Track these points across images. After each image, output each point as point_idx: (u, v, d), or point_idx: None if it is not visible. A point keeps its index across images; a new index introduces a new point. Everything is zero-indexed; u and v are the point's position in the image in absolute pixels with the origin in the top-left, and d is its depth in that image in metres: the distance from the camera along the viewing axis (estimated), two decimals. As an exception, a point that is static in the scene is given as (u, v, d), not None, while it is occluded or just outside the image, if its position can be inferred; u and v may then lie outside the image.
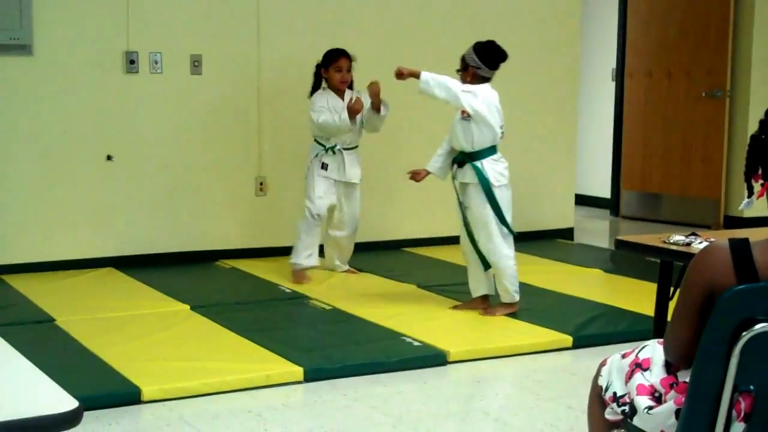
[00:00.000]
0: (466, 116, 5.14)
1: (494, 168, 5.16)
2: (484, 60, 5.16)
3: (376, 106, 5.90)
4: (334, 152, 6.04)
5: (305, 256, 6.07)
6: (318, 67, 6.08)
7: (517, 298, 5.28)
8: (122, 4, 6.30)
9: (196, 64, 6.54)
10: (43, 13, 6.11)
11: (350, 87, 6.08)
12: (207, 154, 6.63)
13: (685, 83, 8.60)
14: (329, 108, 5.93)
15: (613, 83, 9.41)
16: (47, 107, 6.19)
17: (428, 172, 5.41)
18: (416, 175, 5.47)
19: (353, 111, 5.86)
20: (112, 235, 6.41)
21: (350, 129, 5.93)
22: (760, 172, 2.21)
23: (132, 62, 6.34)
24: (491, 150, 5.18)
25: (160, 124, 6.49)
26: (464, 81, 5.17)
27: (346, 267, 6.37)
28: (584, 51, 8.53)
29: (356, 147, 6.11)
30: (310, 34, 6.83)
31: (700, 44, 8.44)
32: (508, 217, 5.20)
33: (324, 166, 6.03)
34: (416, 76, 5.11)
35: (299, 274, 6.06)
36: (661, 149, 8.84)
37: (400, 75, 5.21)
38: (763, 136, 2.19)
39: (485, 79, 5.19)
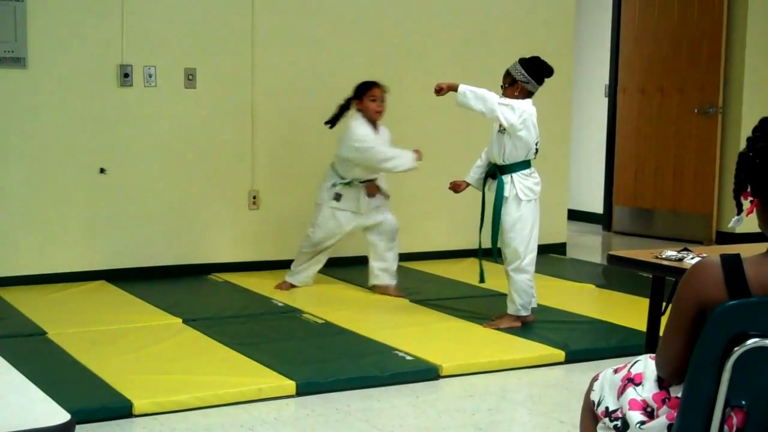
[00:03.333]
0: (502, 129, 5.17)
1: (524, 183, 5.20)
2: (532, 74, 5.20)
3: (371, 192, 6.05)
4: (350, 185, 6.03)
5: (292, 273, 6.24)
6: (348, 100, 6.00)
7: (522, 313, 5.29)
8: (117, 18, 6.30)
9: (190, 77, 6.55)
10: (37, 26, 6.12)
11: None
12: (200, 167, 6.63)
13: (678, 99, 8.63)
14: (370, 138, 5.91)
15: (606, 99, 9.44)
16: (41, 120, 6.19)
17: (468, 184, 5.44)
18: (456, 187, 5.48)
19: (372, 190, 6.00)
20: (105, 248, 6.41)
21: (412, 162, 5.96)
22: (749, 189, 2.21)
23: (126, 75, 6.35)
24: (523, 164, 5.21)
25: (154, 137, 6.49)
26: (511, 96, 5.20)
27: (387, 283, 6.17)
28: (577, 67, 8.56)
29: (375, 178, 6.09)
30: (305, 49, 6.84)
31: (693, 61, 8.47)
32: (534, 233, 5.23)
33: (337, 197, 6.03)
34: (454, 89, 5.14)
35: (282, 284, 6.24)
36: (653, 165, 8.87)
37: (440, 90, 5.21)
38: (751, 154, 2.20)
39: (530, 94, 5.23)
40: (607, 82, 9.41)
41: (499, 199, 5.18)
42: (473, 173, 5.43)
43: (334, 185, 6.04)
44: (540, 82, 5.25)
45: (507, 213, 5.19)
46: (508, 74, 5.25)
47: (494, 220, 5.20)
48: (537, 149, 5.24)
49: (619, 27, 9.14)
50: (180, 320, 5.35)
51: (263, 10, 6.71)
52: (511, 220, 5.18)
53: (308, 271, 6.28)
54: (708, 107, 8.36)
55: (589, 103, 9.70)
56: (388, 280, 6.18)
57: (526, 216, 5.20)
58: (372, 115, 5.97)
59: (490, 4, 7.50)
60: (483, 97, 5.08)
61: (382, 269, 6.17)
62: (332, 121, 6.05)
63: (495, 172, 5.27)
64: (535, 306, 5.41)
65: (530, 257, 5.26)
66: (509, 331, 5.22)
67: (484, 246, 5.45)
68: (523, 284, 5.25)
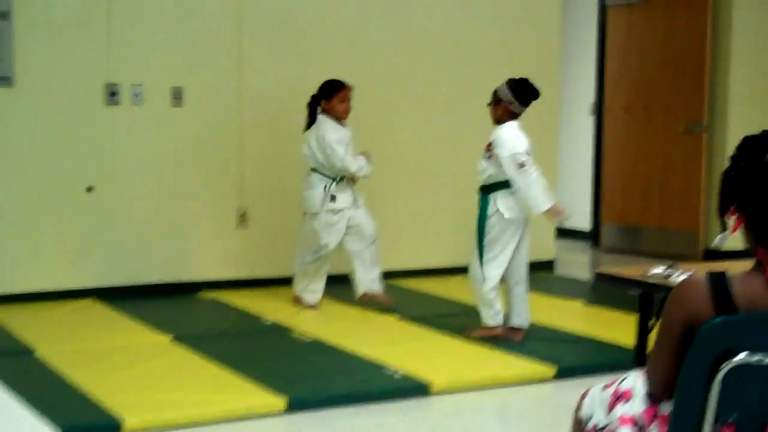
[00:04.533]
0: (488, 155, 5.26)
1: (506, 201, 5.24)
2: (517, 96, 5.26)
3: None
4: (342, 181, 6.05)
5: (306, 291, 6.26)
6: (314, 98, 6.04)
7: (490, 323, 5.39)
8: (103, 36, 6.32)
9: (177, 96, 6.56)
10: (24, 44, 6.12)
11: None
12: (188, 185, 6.64)
13: (664, 118, 8.68)
14: (344, 140, 5.98)
15: (592, 117, 9.49)
16: (28, 138, 6.19)
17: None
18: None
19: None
20: (94, 266, 6.40)
21: (368, 171, 6.06)
22: (733, 207, 2.23)
23: (113, 94, 6.36)
24: (505, 184, 5.25)
25: (142, 155, 6.50)
26: (495, 114, 5.30)
27: (376, 290, 6.21)
28: (563, 86, 8.60)
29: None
30: (292, 67, 6.87)
31: (678, 79, 8.53)
32: (507, 251, 5.28)
33: (333, 198, 6.04)
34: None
35: (295, 298, 6.29)
36: (640, 183, 8.91)
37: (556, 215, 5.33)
38: (734, 172, 2.22)
39: (515, 115, 5.28)
40: (593, 101, 9.47)
41: (481, 214, 5.28)
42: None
43: (326, 188, 6.02)
44: (525, 104, 5.30)
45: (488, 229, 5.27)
46: (494, 93, 5.32)
47: (479, 231, 5.28)
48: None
49: (604, 45, 9.20)
50: (169, 338, 5.34)
51: (251, 29, 6.74)
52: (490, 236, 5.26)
53: (320, 285, 6.27)
54: (694, 125, 8.42)
55: (575, 121, 9.75)
56: (375, 286, 6.19)
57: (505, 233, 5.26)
58: (340, 116, 6.01)
59: (477, 23, 7.54)
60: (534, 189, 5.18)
61: (369, 277, 6.17)
62: (308, 125, 6.07)
63: (481, 191, 5.36)
64: (525, 325, 5.43)
65: (496, 272, 5.30)
66: (498, 347, 5.24)
67: None
68: (482, 295, 5.34)
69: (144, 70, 6.46)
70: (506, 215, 5.24)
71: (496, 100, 5.30)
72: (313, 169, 6.04)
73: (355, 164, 5.97)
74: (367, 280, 6.19)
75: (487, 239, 5.27)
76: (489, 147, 5.27)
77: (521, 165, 5.15)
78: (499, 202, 5.25)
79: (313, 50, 6.94)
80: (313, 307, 6.22)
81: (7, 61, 6.08)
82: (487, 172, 5.29)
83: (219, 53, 6.68)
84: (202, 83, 6.63)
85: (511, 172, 5.16)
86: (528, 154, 5.24)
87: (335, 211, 6.02)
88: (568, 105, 9.49)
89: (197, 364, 4.85)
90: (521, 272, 5.39)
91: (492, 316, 5.38)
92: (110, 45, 6.34)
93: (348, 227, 6.10)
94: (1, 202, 6.16)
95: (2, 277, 6.18)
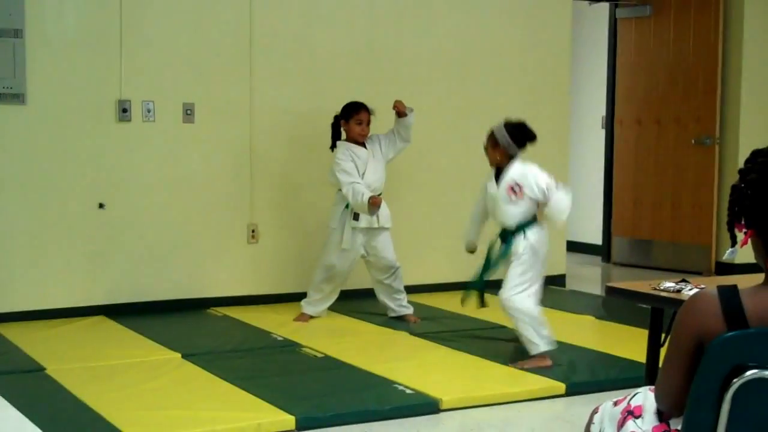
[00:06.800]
0: (513, 198, 5.25)
1: (538, 236, 5.30)
2: (514, 139, 5.26)
3: (401, 113, 6.13)
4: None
5: (310, 303, 6.31)
6: (336, 118, 6.18)
7: (542, 349, 5.26)
8: (115, 53, 6.34)
9: (188, 112, 6.58)
10: (36, 62, 6.15)
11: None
12: (199, 201, 6.64)
13: (675, 131, 8.66)
14: (353, 159, 6.03)
15: (603, 131, 9.47)
16: (40, 155, 6.20)
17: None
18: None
19: (374, 204, 5.92)
20: (104, 283, 6.40)
21: (365, 213, 6.00)
22: (742, 221, 2.22)
23: (125, 110, 6.37)
24: (534, 220, 5.31)
25: (153, 172, 6.51)
26: (492, 157, 5.31)
27: (404, 312, 6.34)
28: (574, 99, 8.60)
29: (380, 194, 6.11)
30: (303, 83, 6.88)
31: (689, 92, 8.52)
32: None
33: (356, 217, 6.06)
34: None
35: (301, 316, 6.29)
36: (651, 196, 8.89)
37: None
38: (743, 185, 2.21)
39: (512, 157, 5.28)
40: (604, 114, 9.45)
41: (511, 253, 5.28)
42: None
43: (347, 207, 6.07)
44: (521, 146, 5.30)
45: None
46: (492, 135, 5.31)
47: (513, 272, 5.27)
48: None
49: (615, 59, 9.19)
50: (179, 355, 5.33)
51: (261, 45, 6.75)
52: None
53: (328, 302, 6.33)
54: (705, 138, 8.39)
55: (586, 134, 9.74)
56: (404, 310, 6.35)
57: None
58: (356, 138, 6.11)
59: (487, 37, 7.54)
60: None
61: (395, 303, 6.35)
62: (332, 144, 6.19)
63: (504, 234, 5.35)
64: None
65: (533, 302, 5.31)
66: (508, 363, 5.21)
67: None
68: (533, 323, 5.25)
69: (155, 87, 6.47)
70: (541, 250, 5.27)
71: (494, 144, 5.30)
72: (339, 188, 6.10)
73: (354, 197, 5.92)
74: (394, 306, 6.34)
75: (526, 273, 5.24)
76: (512, 190, 5.24)
77: (556, 184, 5.21)
78: (532, 237, 5.25)
79: (324, 66, 6.95)
80: (310, 317, 6.28)
81: (20, 78, 6.11)
82: (516, 218, 5.25)
83: (230, 69, 6.69)
84: (214, 99, 6.65)
85: (553, 195, 5.17)
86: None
87: (355, 230, 6.05)
88: (579, 118, 9.48)
89: (207, 381, 4.84)
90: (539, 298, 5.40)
91: (542, 344, 5.24)
92: (122, 62, 6.36)
93: (367, 257, 6.19)
94: (13, 218, 6.17)
95: (13, 295, 6.19)
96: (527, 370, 5.12)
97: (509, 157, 5.29)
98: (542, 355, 5.22)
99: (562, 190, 5.21)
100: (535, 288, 5.30)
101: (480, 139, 5.47)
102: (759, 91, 8.29)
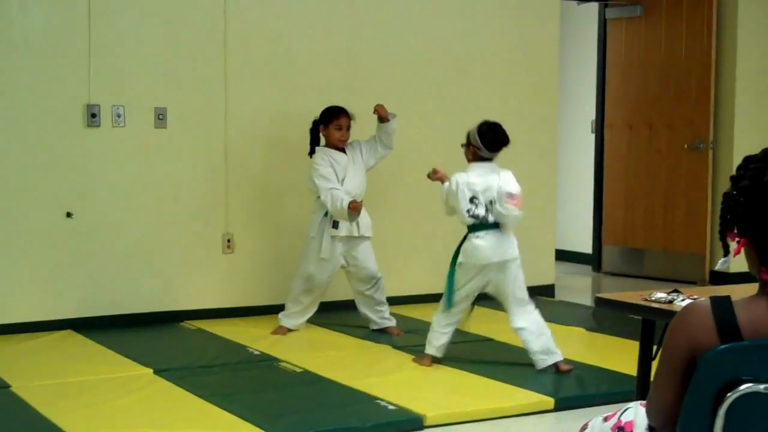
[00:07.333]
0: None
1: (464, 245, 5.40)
2: (485, 142, 5.32)
3: (383, 118, 6.15)
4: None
5: (288, 316, 6.30)
6: (315, 123, 6.19)
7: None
8: (84, 56, 6.32)
9: (160, 117, 6.56)
10: (2, 65, 6.12)
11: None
12: (171, 210, 6.62)
13: (667, 135, 8.70)
14: (332, 165, 6.05)
15: (593, 135, 9.50)
16: (5, 161, 6.18)
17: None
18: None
19: (354, 209, 5.93)
20: (71, 295, 6.37)
21: (344, 219, 6.01)
22: (735, 229, 2.23)
23: (94, 115, 6.35)
24: (469, 228, 5.38)
25: (123, 179, 6.48)
26: (466, 156, 5.43)
27: (387, 324, 6.36)
28: (562, 102, 8.62)
29: (361, 201, 6.09)
30: (280, 86, 6.88)
31: (682, 95, 8.55)
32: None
33: (335, 225, 6.06)
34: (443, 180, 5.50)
35: (278, 329, 6.27)
36: (643, 203, 8.91)
37: (434, 174, 5.58)
38: (735, 192, 2.21)
39: (484, 159, 5.33)
40: (594, 118, 9.48)
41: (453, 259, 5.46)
42: None
43: (326, 214, 6.06)
44: (493, 150, 5.36)
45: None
46: (467, 135, 5.41)
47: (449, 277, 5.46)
48: (472, 214, 5.33)
49: (605, 61, 9.22)
50: (151, 371, 5.31)
51: (236, 47, 6.74)
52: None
53: (307, 314, 6.33)
54: (698, 143, 8.43)
55: (575, 139, 9.77)
56: (386, 322, 6.36)
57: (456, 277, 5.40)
58: (335, 143, 6.13)
59: (472, 37, 7.56)
60: (445, 200, 5.46)
61: (377, 316, 6.35)
62: (311, 150, 6.19)
63: None
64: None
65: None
66: (495, 377, 5.22)
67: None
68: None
69: (126, 91, 6.45)
70: (473, 260, 5.38)
71: (467, 143, 5.40)
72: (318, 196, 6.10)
73: (333, 203, 5.93)
74: (376, 319, 6.35)
75: (459, 279, 5.48)
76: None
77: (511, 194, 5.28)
78: (468, 244, 5.40)
79: (302, 68, 6.94)
80: (288, 330, 6.27)
81: (-17, 82, 6.08)
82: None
83: (204, 73, 6.68)
84: (187, 103, 6.63)
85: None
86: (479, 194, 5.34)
87: (334, 239, 6.05)
88: (567, 122, 9.50)
89: (180, 398, 4.82)
90: None
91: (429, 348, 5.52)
92: (90, 64, 6.33)
93: (347, 268, 6.19)
94: (-24, 229, 6.14)
95: (-23, 308, 6.16)
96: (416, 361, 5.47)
97: (480, 159, 5.35)
98: (426, 356, 5.47)
99: (509, 204, 5.24)
100: (460, 294, 5.39)
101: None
102: (754, 94, 8.33)
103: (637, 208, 8.96)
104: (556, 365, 5.35)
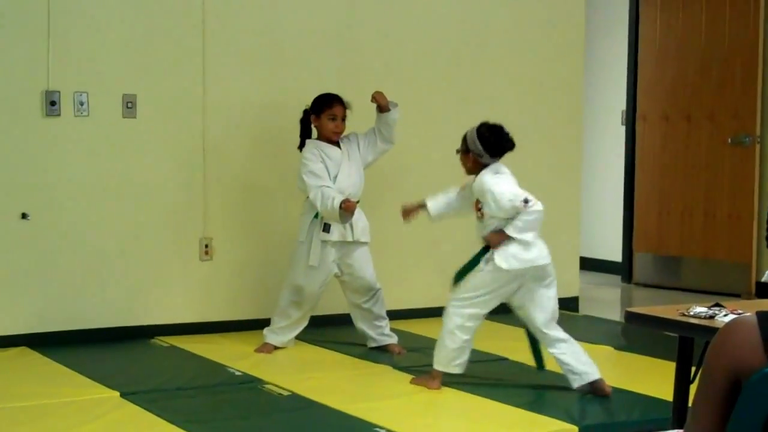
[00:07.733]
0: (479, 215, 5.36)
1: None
2: (487, 147, 5.30)
3: (382, 107, 6.14)
4: None
5: (274, 332, 6.31)
6: (306, 113, 6.20)
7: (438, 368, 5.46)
8: (42, 37, 6.32)
9: (129, 105, 6.56)
10: (-52, 44, 6.14)
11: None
12: (142, 211, 6.63)
13: (708, 128, 8.71)
14: (323, 160, 6.05)
15: (623, 128, 9.52)
16: (-48, 156, 6.19)
17: None
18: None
19: (347, 210, 5.92)
20: (27, 308, 6.38)
21: (335, 221, 6.01)
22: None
23: (53, 103, 6.36)
24: None
25: (87, 175, 6.49)
26: (464, 165, 5.40)
27: (387, 341, 6.36)
28: (589, 91, 8.63)
29: (358, 201, 6.11)
30: (266, 71, 6.89)
31: (725, 84, 8.57)
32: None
33: (326, 228, 6.07)
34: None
35: (263, 347, 6.28)
36: (680, 205, 8.93)
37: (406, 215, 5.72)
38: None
39: (485, 166, 5.32)
40: (624, 108, 9.49)
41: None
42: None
43: (317, 216, 6.07)
44: (496, 156, 5.33)
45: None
46: (464, 140, 5.38)
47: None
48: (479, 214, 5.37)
49: (637, 46, 9.25)
50: (117, 393, 5.31)
51: (216, 25, 6.74)
52: None
53: (296, 330, 6.33)
54: (743, 137, 8.44)
55: (603, 132, 9.78)
56: (387, 339, 6.36)
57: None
58: (329, 135, 6.13)
59: (487, 19, 7.57)
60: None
61: (375, 332, 6.35)
62: (301, 143, 6.20)
63: None
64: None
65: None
66: (511, 402, 5.22)
67: None
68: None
69: (90, 76, 6.46)
70: (503, 273, 5.36)
71: (465, 149, 5.37)
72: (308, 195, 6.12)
73: (323, 202, 5.93)
74: (375, 335, 6.35)
75: (478, 289, 5.41)
76: (477, 207, 5.34)
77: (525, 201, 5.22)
78: (499, 257, 5.33)
79: (291, 49, 6.95)
80: (274, 347, 6.29)
81: (-72, 64, 6.09)
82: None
83: (180, 57, 6.68)
84: (160, 91, 6.64)
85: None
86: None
87: (325, 243, 6.06)
88: (595, 113, 9.53)
89: (151, 425, 4.82)
90: None
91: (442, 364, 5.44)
92: (50, 46, 6.34)
93: (342, 277, 6.21)
94: None
95: None
96: (415, 383, 5.44)
97: (482, 166, 5.32)
98: (437, 374, 5.41)
99: (532, 208, 5.20)
100: (477, 312, 5.36)
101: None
102: (806, 81, 8.35)
103: (673, 210, 8.98)
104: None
